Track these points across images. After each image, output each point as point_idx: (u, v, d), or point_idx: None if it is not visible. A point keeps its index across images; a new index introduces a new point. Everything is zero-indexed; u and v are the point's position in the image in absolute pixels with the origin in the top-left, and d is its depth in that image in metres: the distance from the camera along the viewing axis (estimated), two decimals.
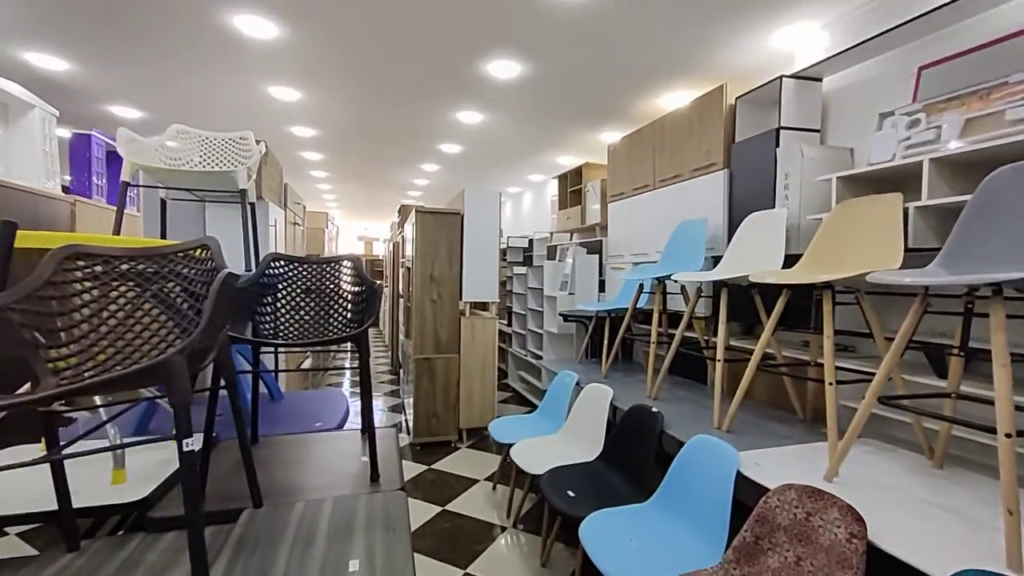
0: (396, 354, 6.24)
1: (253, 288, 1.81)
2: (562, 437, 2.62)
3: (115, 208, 2.01)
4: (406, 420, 4.32)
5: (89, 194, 3.04)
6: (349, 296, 1.94)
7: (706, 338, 2.78)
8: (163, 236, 2.38)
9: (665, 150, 3.32)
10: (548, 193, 6.53)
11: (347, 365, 7.01)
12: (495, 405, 3.91)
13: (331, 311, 1.88)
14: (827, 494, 1.33)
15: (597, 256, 4.17)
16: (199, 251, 1.34)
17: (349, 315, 1.90)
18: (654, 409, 2.14)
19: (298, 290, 1.94)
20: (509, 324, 5.89)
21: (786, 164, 2.30)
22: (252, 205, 2.46)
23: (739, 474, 1.62)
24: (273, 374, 2.70)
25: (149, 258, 1.22)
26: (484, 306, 4.29)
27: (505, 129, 4.41)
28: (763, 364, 2.02)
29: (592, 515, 1.76)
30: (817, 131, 2.47)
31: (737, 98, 2.72)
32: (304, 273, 1.96)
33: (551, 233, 5.46)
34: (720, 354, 2.12)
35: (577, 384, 2.90)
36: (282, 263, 1.92)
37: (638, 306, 3.01)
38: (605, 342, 3.26)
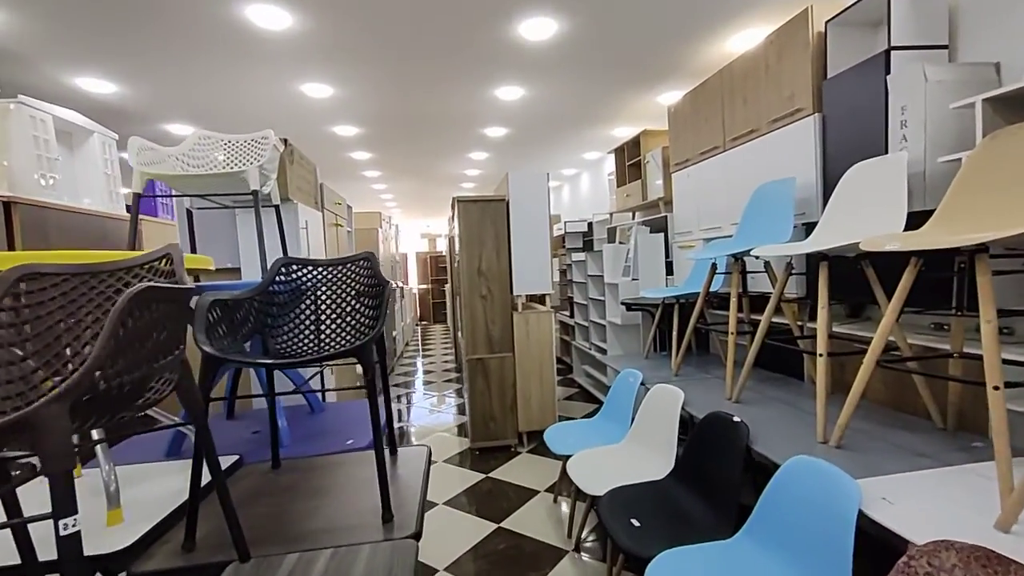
0: (460, 352, 6.11)
1: (259, 299, 1.64)
2: (627, 447, 2.25)
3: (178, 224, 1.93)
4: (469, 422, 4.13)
5: (155, 213, 3.09)
6: (366, 301, 1.71)
7: (800, 323, 2.29)
8: (192, 247, 2.31)
9: (736, 102, 2.81)
10: (605, 171, 6.05)
11: (417, 366, 7.01)
12: (555, 406, 3.60)
13: (344, 320, 1.66)
14: (1013, 562, 0.89)
15: (662, 235, 3.70)
16: (161, 262, 1.15)
17: (359, 323, 1.67)
18: (736, 418, 1.73)
19: (322, 297, 1.74)
20: (572, 315, 5.53)
21: (902, 95, 1.76)
22: (277, 208, 2.32)
23: (860, 512, 1.19)
24: (313, 384, 2.58)
25: (92, 274, 1.04)
26: (540, 299, 3.98)
27: (550, 103, 4.03)
28: (883, 357, 1.54)
29: (663, 555, 1.40)
30: (944, 47, 1.88)
31: (827, 22, 2.17)
32: (323, 277, 1.76)
33: (610, 214, 5.01)
34: (822, 345, 1.66)
35: (642, 384, 2.51)
36: (297, 268, 1.73)
37: (713, 289, 2.56)
38: (674, 333, 2.83)
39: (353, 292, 1.71)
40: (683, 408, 2.07)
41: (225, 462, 1.72)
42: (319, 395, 2.53)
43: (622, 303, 3.47)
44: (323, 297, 1.72)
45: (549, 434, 2.58)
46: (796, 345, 2.17)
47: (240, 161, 2.01)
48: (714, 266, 2.47)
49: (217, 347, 1.31)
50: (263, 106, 3.78)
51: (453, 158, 5.82)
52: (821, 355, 1.65)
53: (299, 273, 1.73)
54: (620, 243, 4.23)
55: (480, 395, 3.47)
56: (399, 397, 5.20)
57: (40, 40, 2.71)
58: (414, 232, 13.72)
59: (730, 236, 2.91)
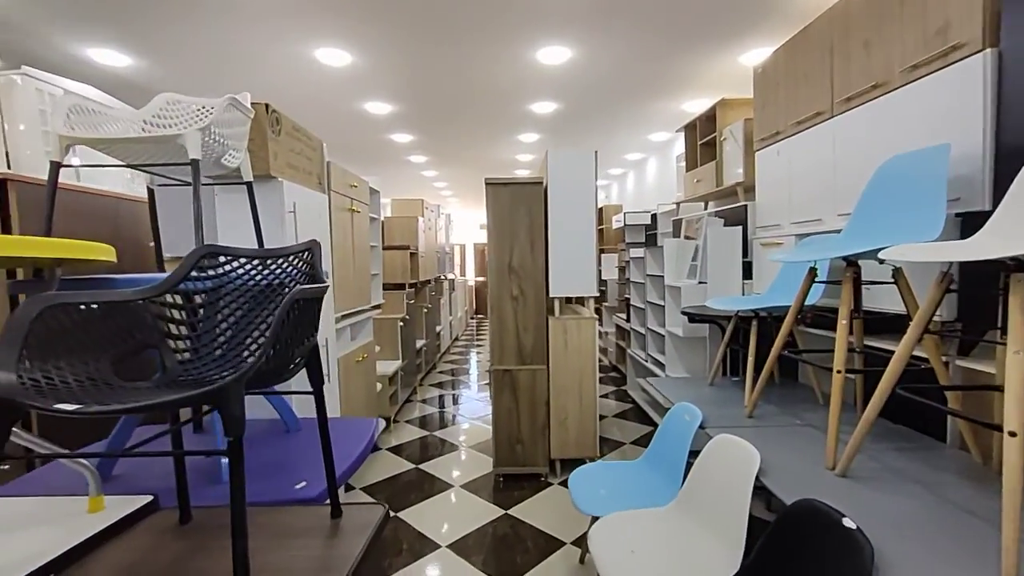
0: None
1: (149, 303, 1.22)
2: (675, 519, 1.64)
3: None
4: None
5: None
6: (300, 306, 1.25)
7: (946, 359, 1.55)
8: (155, 230, 1.97)
9: (852, 49, 2.06)
10: (674, 154, 5.28)
11: (468, 363, 6.63)
12: (596, 431, 3.01)
13: (255, 331, 1.21)
14: None
15: (740, 229, 2.97)
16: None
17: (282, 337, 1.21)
18: (849, 523, 1.08)
19: (245, 300, 1.31)
20: (628, 319, 4.87)
21: None
22: (249, 186, 1.92)
23: None
24: (290, 398, 2.19)
25: None
26: (581, 300, 3.39)
27: (603, 68, 3.39)
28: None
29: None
30: None
31: None
32: (256, 276, 1.32)
33: (677, 204, 4.28)
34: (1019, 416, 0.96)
35: (702, 427, 1.87)
36: (226, 260, 1.30)
37: (808, 302, 1.86)
38: (750, 358, 2.15)
39: (276, 294, 1.25)
40: (759, 477, 1.43)
41: (131, 504, 1.33)
42: (292, 407, 2.14)
43: (683, 312, 2.81)
44: (246, 300, 1.28)
45: (576, 479, 2.02)
46: (941, 396, 1.45)
47: (177, 123, 1.61)
48: (813, 272, 1.77)
49: (42, 376, 0.89)
50: (284, 78, 3.46)
51: (501, 140, 5.30)
52: (1013, 434, 0.96)
53: (224, 268, 1.30)
54: (686, 238, 3.52)
55: (506, 413, 2.96)
56: (425, 400, 4.82)
57: (47, 5, 2.51)
58: (472, 223, 13.42)
59: (836, 231, 2.17)
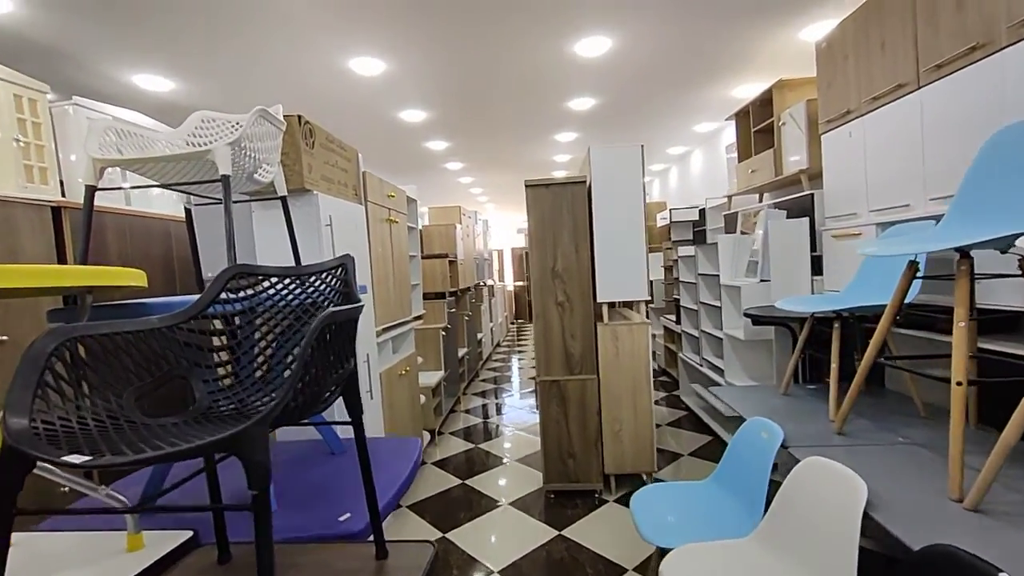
0: None
1: (176, 329, 1.14)
2: (760, 552, 1.44)
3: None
4: None
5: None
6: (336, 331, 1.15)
7: None
8: (194, 251, 1.94)
9: (940, 9, 1.80)
10: (722, 144, 4.98)
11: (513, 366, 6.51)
12: (653, 443, 2.80)
13: (279, 362, 1.12)
14: None
15: (806, 221, 2.71)
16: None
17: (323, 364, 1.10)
18: None
19: (276, 324, 1.22)
20: (678, 321, 4.61)
21: None
22: (283, 200, 1.86)
23: None
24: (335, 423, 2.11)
25: None
26: (632, 305, 3.19)
27: (646, 57, 3.19)
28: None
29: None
30: None
31: None
32: (288, 296, 1.23)
33: (728, 197, 4.01)
34: None
35: (784, 447, 1.65)
36: (256, 280, 1.22)
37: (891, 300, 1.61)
38: (833, 363, 1.90)
39: (310, 316, 1.16)
40: (866, 510, 1.21)
41: (170, 541, 1.26)
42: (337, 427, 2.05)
43: (746, 314, 2.57)
44: (278, 324, 1.18)
45: (639, 502, 1.84)
46: None
47: (212, 140, 1.56)
48: (914, 267, 1.53)
49: (60, 418, 0.81)
50: (320, 91, 3.45)
51: (537, 141, 5.16)
52: None
53: (255, 289, 1.21)
54: (743, 233, 3.26)
55: (555, 425, 2.80)
56: (468, 410, 4.71)
57: (93, 38, 2.57)
58: (510, 227, 13.33)
59: (929, 218, 1.91)
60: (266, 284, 1.22)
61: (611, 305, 2.84)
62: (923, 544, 1.02)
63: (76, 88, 3.03)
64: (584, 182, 2.72)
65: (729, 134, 4.79)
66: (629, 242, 2.70)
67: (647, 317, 2.80)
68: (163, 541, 1.26)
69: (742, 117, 3.64)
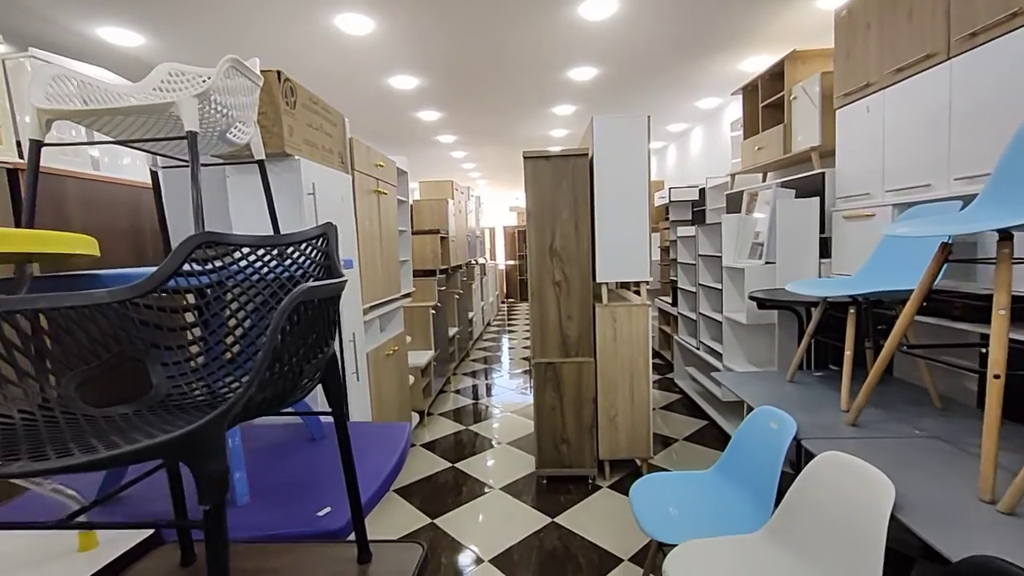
0: None
1: (136, 303, 0.99)
2: (772, 550, 1.35)
3: None
4: None
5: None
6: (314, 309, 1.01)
7: None
8: (160, 219, 1.77)
9: None
10: (725, 122, 4.83)
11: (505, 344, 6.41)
12: (650, 429, 2.72)
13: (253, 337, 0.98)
14: None
15: (816, 201, 2.59)
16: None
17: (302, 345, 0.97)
18: None
19: (249, 301, 1.08)
20: (674, 303, 4.52)
21: None
22: (260, 164, 1.69)
23: None
24: (314, 399, 1.98)
25: None
26: (631, 286, 3.08)
27: (653, 21, 3.01)
28: None
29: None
30: None
31: None
32: (262, 269, 1.09)
33: (731, 176, 3.87)
34: None
35: (797, 439, 1.56)
36: (225, 251, 1.08)
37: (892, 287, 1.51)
38: (847, 350, 1.81)
39: (288, 292, 1.02)
40: (894, 514, 1.12)
41: (128, 540, 1.14)
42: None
43: (751, 297, 2.46)
44: (250, 301, 1.04)
45: (639, 493, 1.74)
46: None
47: (168, 91, 1.38)
48: (947, 249, 1.41)
49: None
50: (304, 50, 3.22)
51: (534, 114, 4.96)
52: None
53: (224, 261, 1.07)
54: (747, 213, 3.14)
55: (550, 410, 2.70)
56: (459, 391, 4.62)
57: None
58: (503, 205, 13.11)
59: (953, 199, 1.80)
60: (237, 255, 1.07)
61: (611, 286, 2.72)
62: (962, 554, 0.93)
63: (32, 40, 2.77)
64: (586, 155, 2.57)
65: (734, 110, 4.64)
66: (632, 219, 2.57)
67: (647, 299, 2.69)
68: (120, 540, 1.13)
69: (750, 92, 3.48)
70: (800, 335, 2.52)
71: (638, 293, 2.82)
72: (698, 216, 4.83)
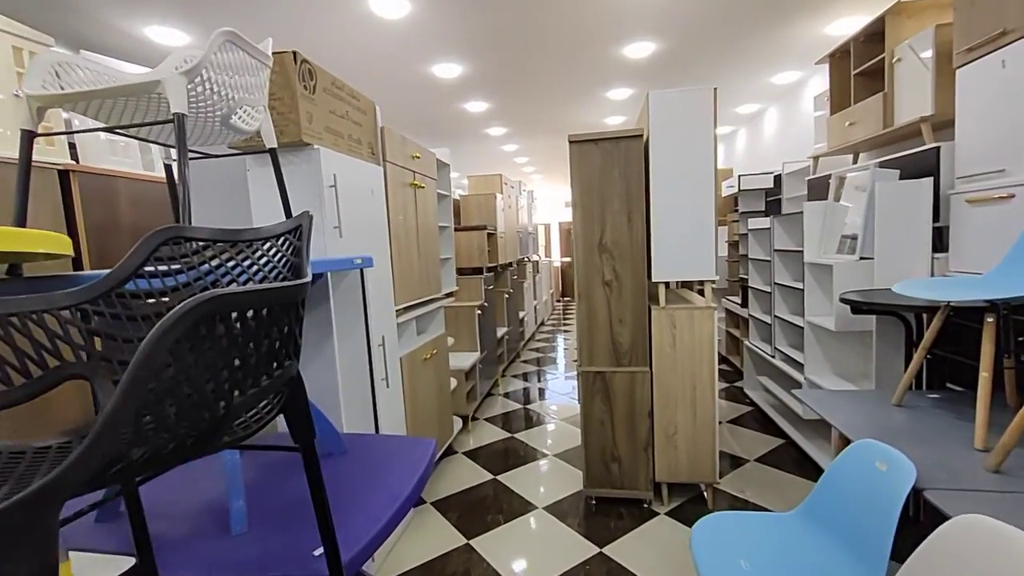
0: None
1: (85, 309, 0.84)
2: None
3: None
4: None
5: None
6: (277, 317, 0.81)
7: None
8: (177, 217, 1.67)
9: None
10: (807, 97, 4.27)
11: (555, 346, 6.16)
12: (715, 449, 2.37)
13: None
14: None
15: (929, 182, 2.13)
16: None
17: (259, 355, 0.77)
18: None
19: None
20: (743, 304, 4.06)
21: None
22: (272, 153, 1.55)
23: None
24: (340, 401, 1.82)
25: None
26: (690, 286, 2.72)
27: None
28: None
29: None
30: None
31: None
32: (235, 269, 0.92)
33: (814, 159, 3.38)
34: None
35: (917, 489, 1.20)
36: (199, 248, 0.92)
37: None
38: (984, 373, 1.40)
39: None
40: None
41: (106, 569, 1.01)
42: (342, 414, 1.77)
43: (844, 300, 2.05)
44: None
45: (700, 536, 1.44)
46: None
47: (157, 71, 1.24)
48: None
49: None
50: (341, 40, 3.12)
51: (588, 101, 4.64)
52: None
53: (191, 259, 0.90)
54: (835, 200, 2.68)
55: (599, 425, 2.42)
56: (507, 394, 4.40)
57: None
58: (558, 200, 12.80)
59: None
60: (210, 253, 0.91)
61: (668, 286, 2.40)
62: None
63: (83, 42, 2.84)
64: (640, 136, 2.26)
65: (816, 84, 4.09)
66: (695, 209, 2.23)
67: (712, 300, 2.33)
68: (96, 569, 1.01)
69: (838, 59, 2.99)
70: (907, 346, 2.08)
71: (702, 293, 2.47)
72: (772, 207, 4.32)
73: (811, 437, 2.89)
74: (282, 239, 0.91)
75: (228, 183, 1.91)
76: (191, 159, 1.73)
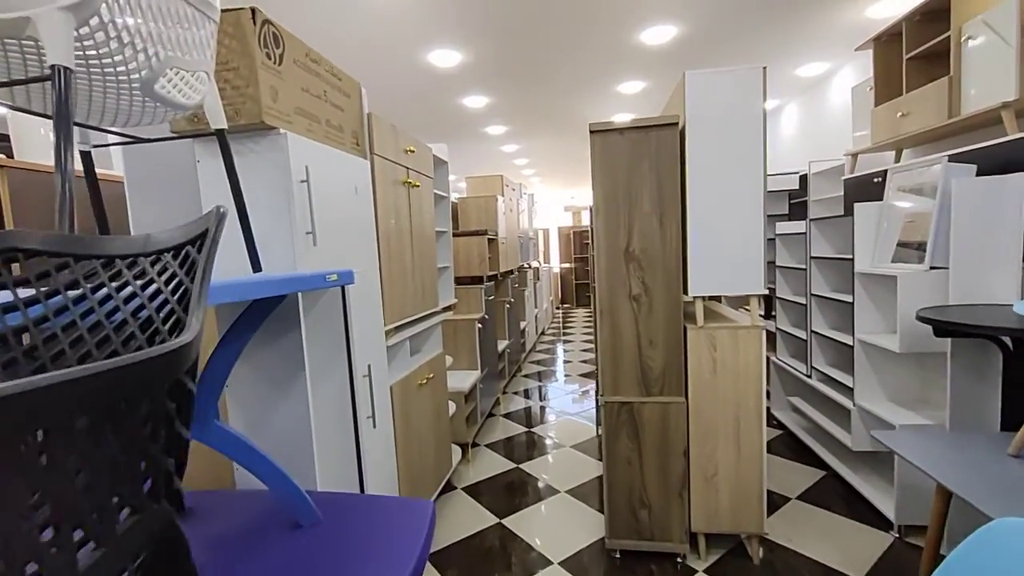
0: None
1: None
2: None
3: None
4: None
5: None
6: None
7: None
8: (98, 216, 1.29)
9: None
10: (834, 90, 3.96)
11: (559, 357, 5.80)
12: (763, 494, 2.01)
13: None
14: None
15: (1019, 178, 1.79)
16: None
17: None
18: None
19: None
20: (767, 315, 3.73)
21: None
22: (219, 135, 1.18)
23: None
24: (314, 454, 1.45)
25: None
26: (743, 305, 2.38)
27: None
28: None
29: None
30: None
31: None
32: (99, 296, 0.53)
33: (852, 156, 3.05)
34: None
35: None
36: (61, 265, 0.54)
37: None
38: None
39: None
40: None
41: None
42: (316, 476, 1.40)
43: (923, 319, 1.71)
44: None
45: None
46: None
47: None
48: None
49: None
50: (331, 29, 2.76)
51: (595, 95, 4.31)
52: None
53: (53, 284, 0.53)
54: (895, 201, 2.35)
55: (624, 464, 2.06)
56: (509, 414, 4.03)
57: None
58: (557, 205, 12.49)
59: None
60: (65, 277, 0.54)
61: (706, 301, 2.05)
62: None
63: None
64: (675, 123, 1.91)
65: (846, 76, 3.78)
66: (740, 209, 1.88)
67: (760, 317, 1.98)
68: None
69: (886, 43, 2.67)
70: (1006, 377, 1.74)
71: (747, 310, 2.12)
72: (796, 209, 4.00)
73: (859, 469, 2.55)
74: (180, 253, 0.55)
75: (179, 178, 1.54)
76: (121, 143, 1.36)
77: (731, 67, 1.85)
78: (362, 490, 1.71)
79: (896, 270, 2.08)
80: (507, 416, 3.98)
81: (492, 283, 3.95)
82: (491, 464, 3.10)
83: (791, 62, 3.68)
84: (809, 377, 2.92)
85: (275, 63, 1.38)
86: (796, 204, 3.96)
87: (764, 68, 1.83)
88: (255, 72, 1.31)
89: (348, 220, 1.70)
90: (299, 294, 1.42)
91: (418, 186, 2.37)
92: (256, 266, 1.24)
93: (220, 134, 1.16)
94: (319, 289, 1.26)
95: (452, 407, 2.96)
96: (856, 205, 2.32)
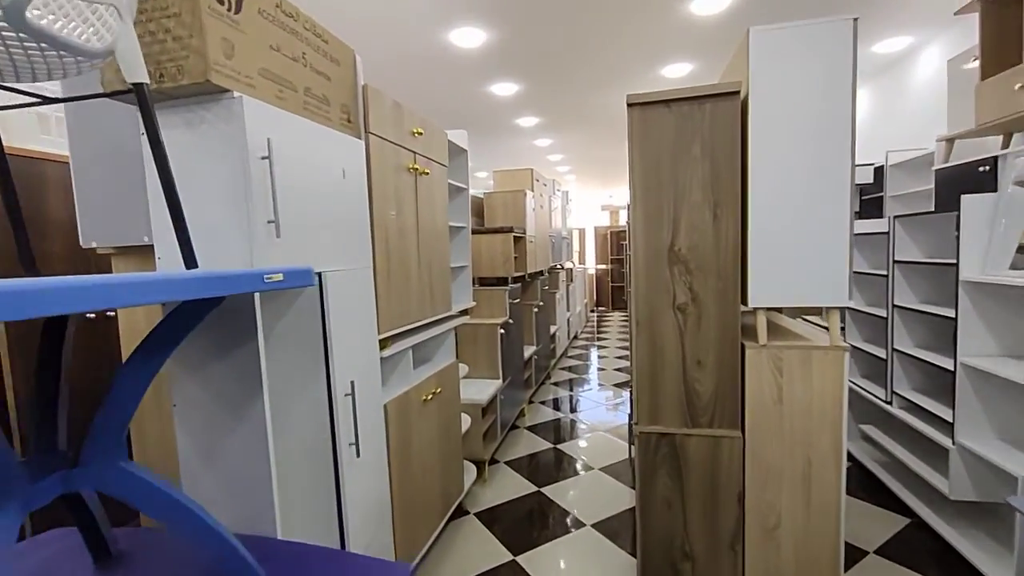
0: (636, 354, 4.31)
1: None
2: None
3: None
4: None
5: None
6: None
7: None
8: (8, 204, 1.05)
9: None
10: (920, 68, 3.43)
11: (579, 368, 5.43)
12: (839, 551, 1.60)
13: None
14: None
15: None
16: None
17: None
18: None
19: None
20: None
21: None
22: (140, 92, 0.92)
23: None
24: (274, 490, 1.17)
25: None
26: (783, 309, 1.98)
27: None
28: None
29: None
30: None
31: None
32: None
33: (947, 142, 2.56)
34: None
35: None
36: None
37: None
38: None
39: None
40: None
41: None
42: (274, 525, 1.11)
43: None
44: None
45: None
46: None
47: None
48: None
49: None
50: (340, 3, 2.52)
51: (637, 81, 3.92)
52: None
53: None
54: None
55: (663, 507, 1.70)
56: (534, 427, 3.69)
57: None
58: (594, 204, 12.05)
59: None
60: None
61: (770, 314, 1.66)
62: None
63: None
64: (736, 93, 1.54)
65: (933, 53, 3.26)
66: (819, 201, 1.49)
67: (843, 343, 1.58)
68: None
69: (997, 3, 2.18)
70: None
71: (807, 319, 1.71)
72: (867, 207, 3.49)
73: (955, 520, 2.09)
74: None
75: (129, 156, 1.30)
76: (25, 104, 1.12)
77: (808, 20, 1.47)
78: (341, 532, 1.43)
79: (1020, 279, 1.63)
80: (531, 429, 3.65)
81: (518, 285, 3.64)
82: (510, 486, 2.79)
83: (867, 37, 3.19)
84: (889, 404, 2.46)
85: (230, 10, 1.12)
86: (868, 200, 3.46)
87: (855, 20, 1.44)
88: (199, 17, 1.04)
89: (332, 209, 1.43)
90: (256, 297, 1.15)
91: (427, 173, 2.08)
92: (190, 262, 0.97)
93: (139, 89, 0.90)
94: (246, 292, 0.97)
95: (467, 421, 2.67)
96: (964, 198, 1.87)
